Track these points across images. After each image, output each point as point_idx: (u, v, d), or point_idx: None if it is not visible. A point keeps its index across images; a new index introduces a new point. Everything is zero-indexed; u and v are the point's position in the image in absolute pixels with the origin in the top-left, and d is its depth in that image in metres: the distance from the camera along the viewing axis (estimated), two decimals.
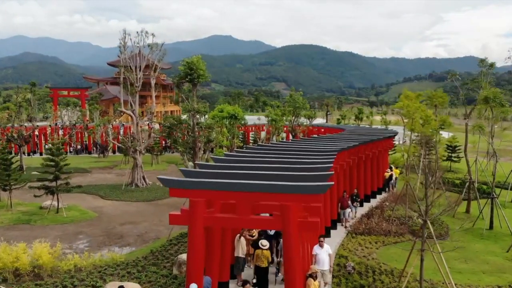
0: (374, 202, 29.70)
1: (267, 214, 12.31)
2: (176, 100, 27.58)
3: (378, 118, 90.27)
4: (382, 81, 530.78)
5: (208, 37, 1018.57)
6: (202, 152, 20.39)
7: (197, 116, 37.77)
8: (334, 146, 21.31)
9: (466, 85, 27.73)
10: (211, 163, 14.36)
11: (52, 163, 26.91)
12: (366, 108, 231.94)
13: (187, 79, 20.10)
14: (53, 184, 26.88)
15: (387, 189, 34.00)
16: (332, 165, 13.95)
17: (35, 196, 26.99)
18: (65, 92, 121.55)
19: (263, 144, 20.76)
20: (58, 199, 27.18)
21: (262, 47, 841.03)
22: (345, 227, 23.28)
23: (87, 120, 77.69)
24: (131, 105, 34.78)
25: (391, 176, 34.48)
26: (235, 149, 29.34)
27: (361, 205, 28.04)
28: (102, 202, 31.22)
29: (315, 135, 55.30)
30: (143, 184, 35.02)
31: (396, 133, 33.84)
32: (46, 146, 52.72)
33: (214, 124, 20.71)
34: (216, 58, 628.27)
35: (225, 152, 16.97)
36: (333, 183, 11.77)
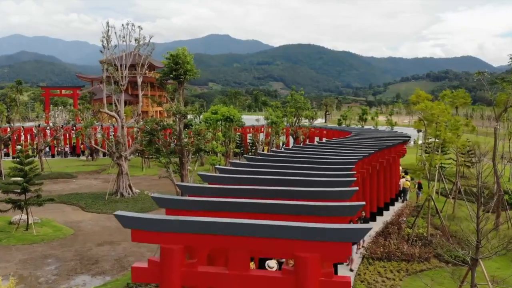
0: (387, 215, 26.47)
1: None
2: (158, 101, 24.04)
3: (381, 118, 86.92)
4: (380, 80, 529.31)
5: (206, 36, 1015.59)
6: (197, 158, 16.95)
7: (191, 117, 34.41)
8: (349, 155, 17.93)
9: (495, 84, 24.27)
10: (198, 184, 10.97)
11: (21, 173, 23.45)
12: (363, 107, 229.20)
13: (171, 75, 16.67)
14: (22, 196, 23.40)
15: (400, 198, 31.03)
16: (357, 188, 10.54)
17: (0, 211, 23.51)
18: (57, 91, 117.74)
19: (264, 153, 17.34)
20: (27, 214, 23.71)
21: (259, 47, 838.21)
22: (351, 269, 17.97)
23: (80, 121, 74.18)
24: (115, 105, 31.41)
25: (420, 184, 31.59)
26: (229, 161, 25.96)
27: (374, 220, 24.80)
28: (82, 215, 27.76)
29: (318, 139, 52.06)
30: (129, 194, 31.58)
31: (409, 138, 30.46)
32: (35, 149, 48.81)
33: (207, 131, 17.22)
34: (213, 58, 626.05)
35: (217, 166, 13.50)
36: (371, 227, 8.16)
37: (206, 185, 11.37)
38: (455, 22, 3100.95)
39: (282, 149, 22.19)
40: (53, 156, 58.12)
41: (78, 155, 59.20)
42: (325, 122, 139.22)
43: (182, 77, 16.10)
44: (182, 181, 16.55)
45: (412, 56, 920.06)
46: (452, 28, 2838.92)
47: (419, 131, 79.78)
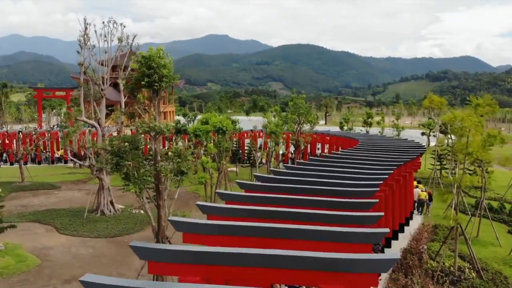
0: (403, 238, 23.21)
1: None
2: (127, 113, 20.34)
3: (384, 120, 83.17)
4: (379, 80, 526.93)
5: (204, 36, 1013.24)
6: (179, 182, 13.58)
7: (184, 122, 30.99)
8: (367, 175, 14.74)
9: None
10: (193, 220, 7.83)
11: None
12: (365, 108, 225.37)
13: (143, 82, 13.21)
14: None
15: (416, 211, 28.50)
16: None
17: None
18: (50, 93, 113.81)
19: (265, 177, 14.09)
20: None
21: (258, 47, 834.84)
22: None
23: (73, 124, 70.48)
24: (94, 112, 28.10)
25: (430, 195, 29.71)
26: (223, 182, 22.68)
27: (389, 246, 21.54)
28: (55, 238, 24.37)
29: (320, 146, 48.77)
30: (110, 211, 28.27)
31: (425, 149, 27.10)
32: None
33: (191, 150, 13.94)
34: (212, 58, 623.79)
35: (199, 203, 10.23)
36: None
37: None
38: (454, 22, 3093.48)
39: (282, 167, 18.91)
40: (39, 163, 54.89)
41: (66, 162, 55.84)
42: (325, 123, 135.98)
43: (156, 84, 12.74)
44: (158, 213, 13.26)
45: (411, 56, 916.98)
46: (451, 28, 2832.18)
47: (423, 134, 76.57)
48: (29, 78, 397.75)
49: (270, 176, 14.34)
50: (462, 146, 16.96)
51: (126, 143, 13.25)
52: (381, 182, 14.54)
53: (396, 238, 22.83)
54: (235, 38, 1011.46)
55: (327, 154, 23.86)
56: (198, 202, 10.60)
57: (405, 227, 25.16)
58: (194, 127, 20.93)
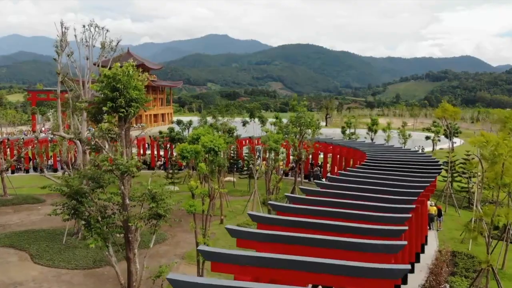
0: (419, 268, 20.63)
1: None
2: (93, 146, 16.85)
3: (382, 121, 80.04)
4: (379, 80, 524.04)
5: (204, 36, 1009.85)
6: (155, 229, 10.93)
7: (179, 130, 28.59)
8: (389, 212, 12.19)
9: None
10: None
11: None
12: (366, 110, 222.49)
13: (106, 108, 10.39)
14: None
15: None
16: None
17: None
18: (45, 95, 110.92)
19: (262, 217, 11.44)
20: None
21: (258, 47, 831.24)
22: None
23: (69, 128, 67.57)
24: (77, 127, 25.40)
25: (439, 211, 28.72)
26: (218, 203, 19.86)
27: (405, 283, 18.88)
28: (27, 268, 21.65)
29: (323, 155, 46.02)
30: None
31: (441, 169, 24.33)
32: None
33: (166, 193, 11.24)
34: (212, 58, 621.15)
35: (174, 279, 7.57)
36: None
37: None
38: (453, 22, 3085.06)
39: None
40: (27, 171, 52.22)
41: (55, 170, 53.11)
42: (326, 125, 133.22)
43: (123, 110, 9.94)
44: (128, 269, 10.59)
45: (410, 56, 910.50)
46: (450, 28, 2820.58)
47: (427, 138, 73.75)
48: (28, 79, 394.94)
49: (269, 216, 11.69)
50: (496, 175, 14.26)
51: (89, 181, 10.51)
52: (406, 228, 11.88)
53: (412, 270, 20.17)
54: (235, 38, 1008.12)
55: (333, 177, 21.11)
56: (169, 276, 7.88)
57: (421, 255, 22.56)
58: (181, 147, 18.20)
